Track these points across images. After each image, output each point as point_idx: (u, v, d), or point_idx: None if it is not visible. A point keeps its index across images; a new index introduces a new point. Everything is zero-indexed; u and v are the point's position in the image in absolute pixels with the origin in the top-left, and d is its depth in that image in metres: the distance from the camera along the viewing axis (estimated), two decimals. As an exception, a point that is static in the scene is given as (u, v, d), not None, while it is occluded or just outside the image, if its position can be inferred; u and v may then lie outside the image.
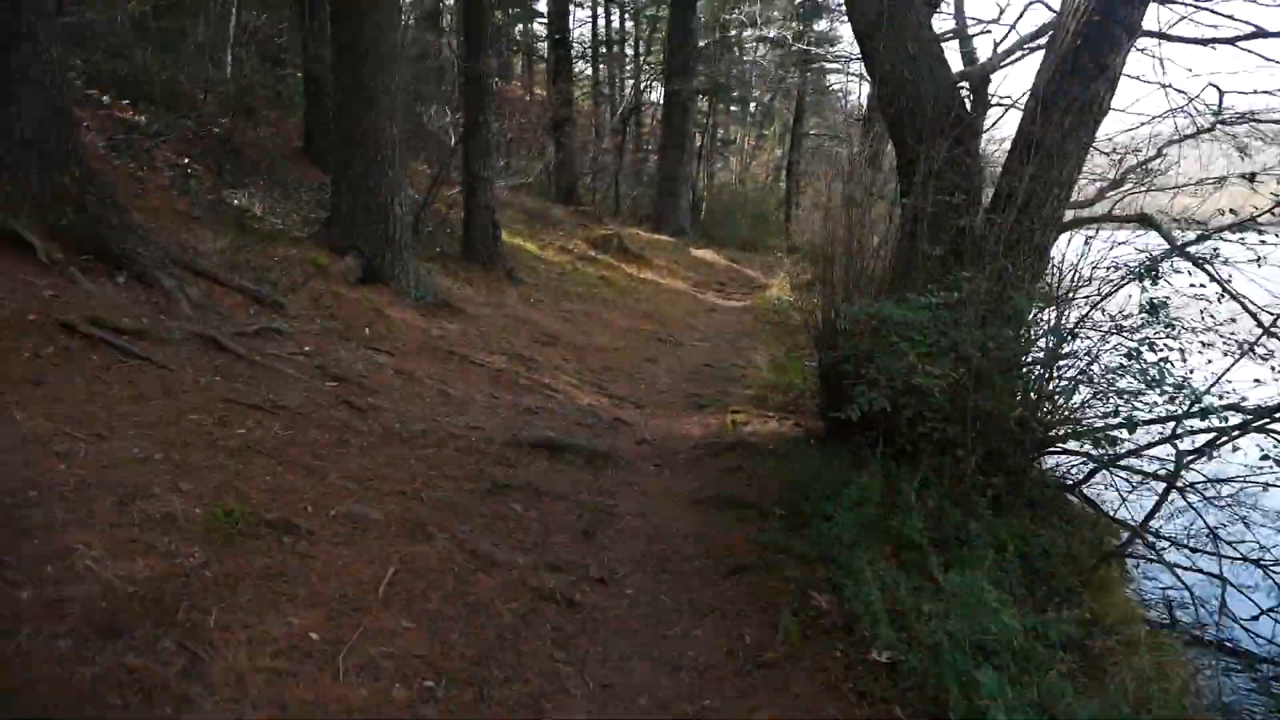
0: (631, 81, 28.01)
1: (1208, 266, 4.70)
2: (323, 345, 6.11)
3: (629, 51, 31.27)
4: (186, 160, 10.08)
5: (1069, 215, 6.20)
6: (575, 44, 28.93)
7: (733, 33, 26.70)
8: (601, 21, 31.27)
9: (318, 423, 4.70)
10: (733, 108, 33.79)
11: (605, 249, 15.26)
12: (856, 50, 8.93)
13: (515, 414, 6.05)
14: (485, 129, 11.03)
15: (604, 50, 30.30)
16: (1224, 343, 4.53)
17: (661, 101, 23.33)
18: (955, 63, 17.93)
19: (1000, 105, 8.27)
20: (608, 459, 5.55)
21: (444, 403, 5.77)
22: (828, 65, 32.75)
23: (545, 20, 26.62)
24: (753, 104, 33.76)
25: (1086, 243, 5.05)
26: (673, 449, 6.10)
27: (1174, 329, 4.34)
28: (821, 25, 26.70)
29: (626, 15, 30.53)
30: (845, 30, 30.46)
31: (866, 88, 23.50)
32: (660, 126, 23.20)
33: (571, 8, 26.30)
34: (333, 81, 8.74)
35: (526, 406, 6.27)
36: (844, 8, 8.22)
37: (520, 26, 29.20)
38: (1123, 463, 4.60)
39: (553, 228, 15.98)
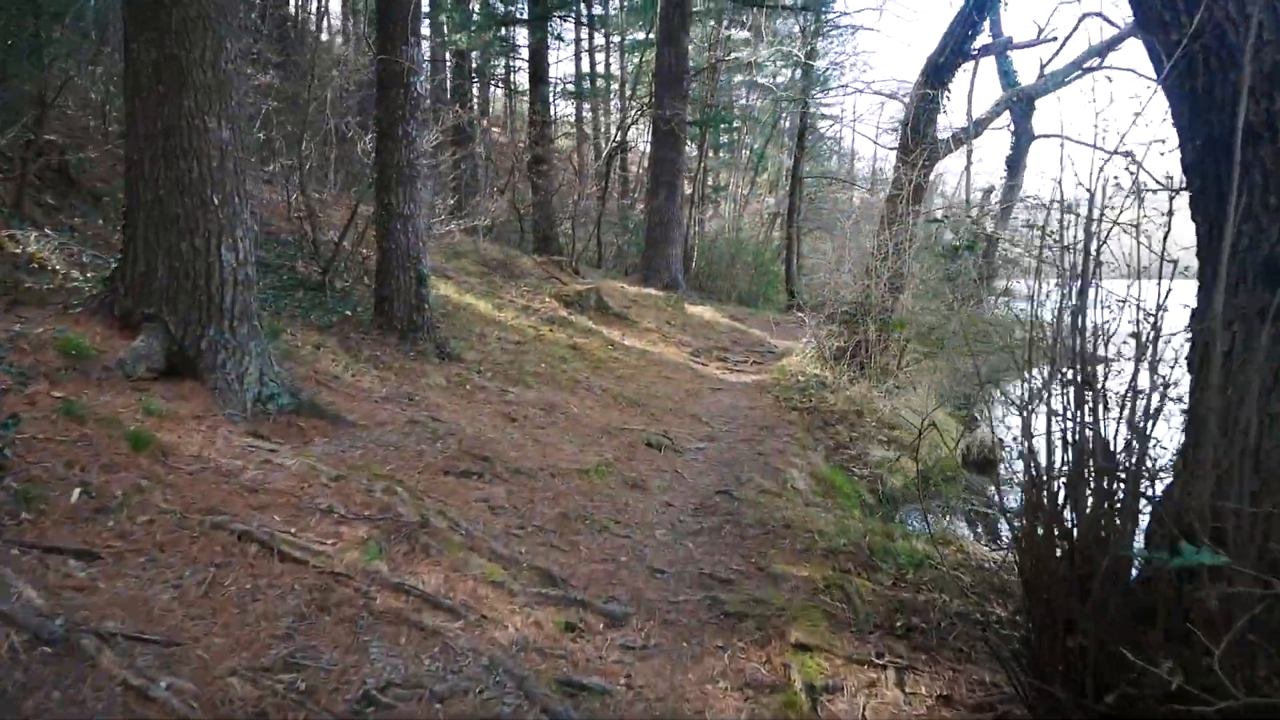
0: (617, 119, 24.91)
1: None
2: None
3: (614, 87, 28.29)
4: (-36, 188, 6.76)
5: None
6: (557, 81, 25.96)
7: (723, 74, 23.73)
8: (586, 63, 28.43)
9: None
10: (723, 152, 30.79)
11: (581, 308, 11.83)
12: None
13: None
14: (405, 146, 7.63)
15: (588, 86, 27.27)
16: None
17: (649, 139, 20.12)
18: (993, 82, 14.78)
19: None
20: None
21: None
22: (824, 108, 29.94)
23: (525, 59, 23.61)
24: (745, 150, 30.71)
25: None
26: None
27: None
28: (822, 63, 23.71)
29: (612, 47, 27.55)
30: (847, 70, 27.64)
31: (889, 110, 20.44)
32: (647, 171, 20.00)
33: (553, 40, 23.31)
34: (123, 54, 5.30)
35: (362, 694, 2.73)
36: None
37: (502, 62, 26.13)
38: None
39: (517, 281, 12.55)
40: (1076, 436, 2.55)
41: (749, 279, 22.21)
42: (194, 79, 5.05)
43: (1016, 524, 2.79)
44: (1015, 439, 3.86)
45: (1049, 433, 3.03)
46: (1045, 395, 2.87)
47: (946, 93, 11.80)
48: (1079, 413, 2.51)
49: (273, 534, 3.49)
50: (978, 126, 11.76)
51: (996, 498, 4.12)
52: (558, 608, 3.72)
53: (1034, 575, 2.59)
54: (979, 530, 7.40)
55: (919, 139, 11.17)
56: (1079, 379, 2.53)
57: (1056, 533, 2.51)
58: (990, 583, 4.43)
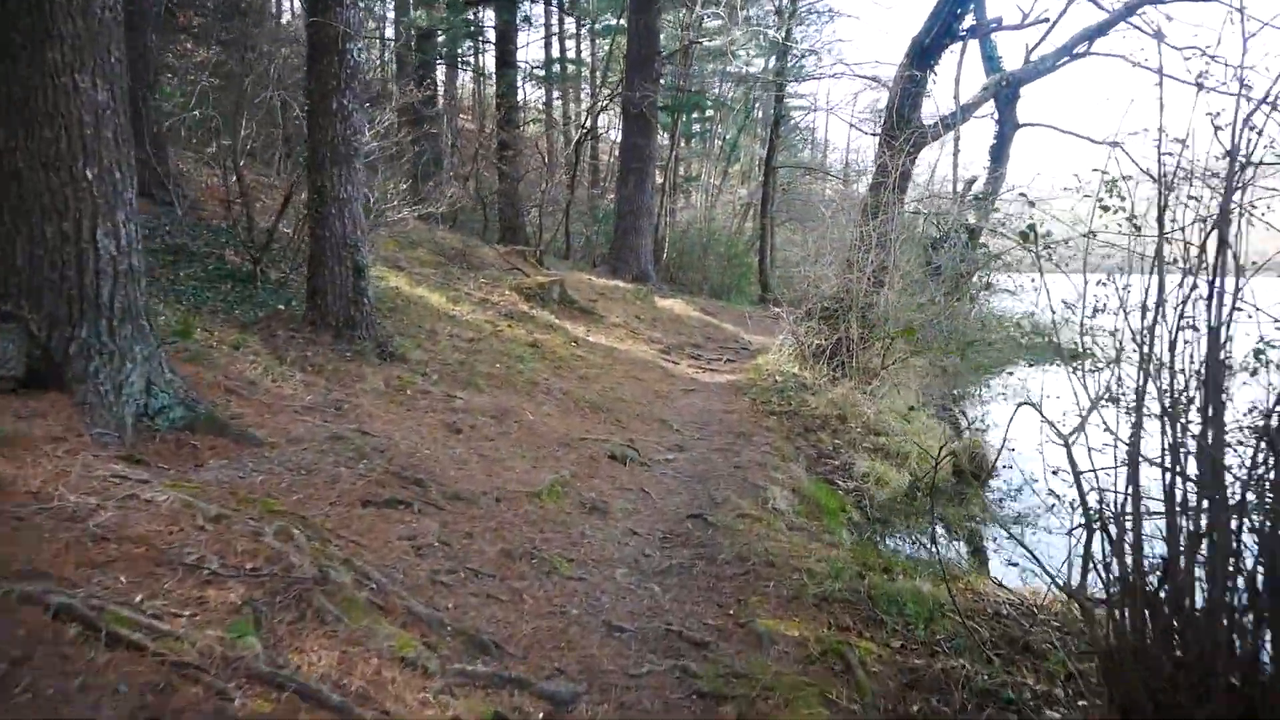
0: (587, 105, 23.97)
1: None
2: None
3: (584, 74, 27.36)
4: None
5: None
6: (526, 64, 24.96)
7: (695, 63, 22.75)
8: (556, 49, 27.46)
9: None
10: (695, 142, 29.94)
11: (543, 301, 10.97)
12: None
13: None
14: (340, 121, 6.74)
15: (558, 71, 26.31)
16: None
17: (620, 124, 19.23)
18: (976, 69, 14.12)
19: None
20: None
21: None
22: (799, 98, 29.12)
23: (493, 40, 22.57)
24: (718, 141, 29.86)
25: None
26: None
27: None
28: (800, 47, 22.87)
29: (583, 31, 26.58)
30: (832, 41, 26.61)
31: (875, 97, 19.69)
32: (618, 159, 19.11)
33: (522, 24, 22.31)
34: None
35: None
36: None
37: (468, 44, 24.99)
38: None
39: (476, 272, 11.66)
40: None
41: (721, 271, 21.45)
42: (60, 28, 4.14)
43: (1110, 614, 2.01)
44: (1056, 472, 3.12)
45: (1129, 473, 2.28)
46: (1134, 433, 2.09)
47: (933, 75, 11.07)
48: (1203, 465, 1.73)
49: (104, 606, 2.63)
50: (965, 112, 11.05)
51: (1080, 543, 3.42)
52: (486, 691, 2.91)
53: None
54: (972, 547, 6.67)
55: (903, 124, 10.43)
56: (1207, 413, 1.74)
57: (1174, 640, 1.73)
58: (1014, 639, 3.69)
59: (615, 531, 4.81)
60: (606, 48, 25.78)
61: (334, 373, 6.31)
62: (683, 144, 26.66)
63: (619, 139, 20.74)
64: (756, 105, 28.84)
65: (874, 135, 12.75)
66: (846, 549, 5.14)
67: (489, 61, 24.94)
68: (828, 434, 7.93)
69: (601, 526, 4.85)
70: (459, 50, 24.02)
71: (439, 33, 19.49)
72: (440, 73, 24.15)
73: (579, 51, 28.37)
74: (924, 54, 10.71)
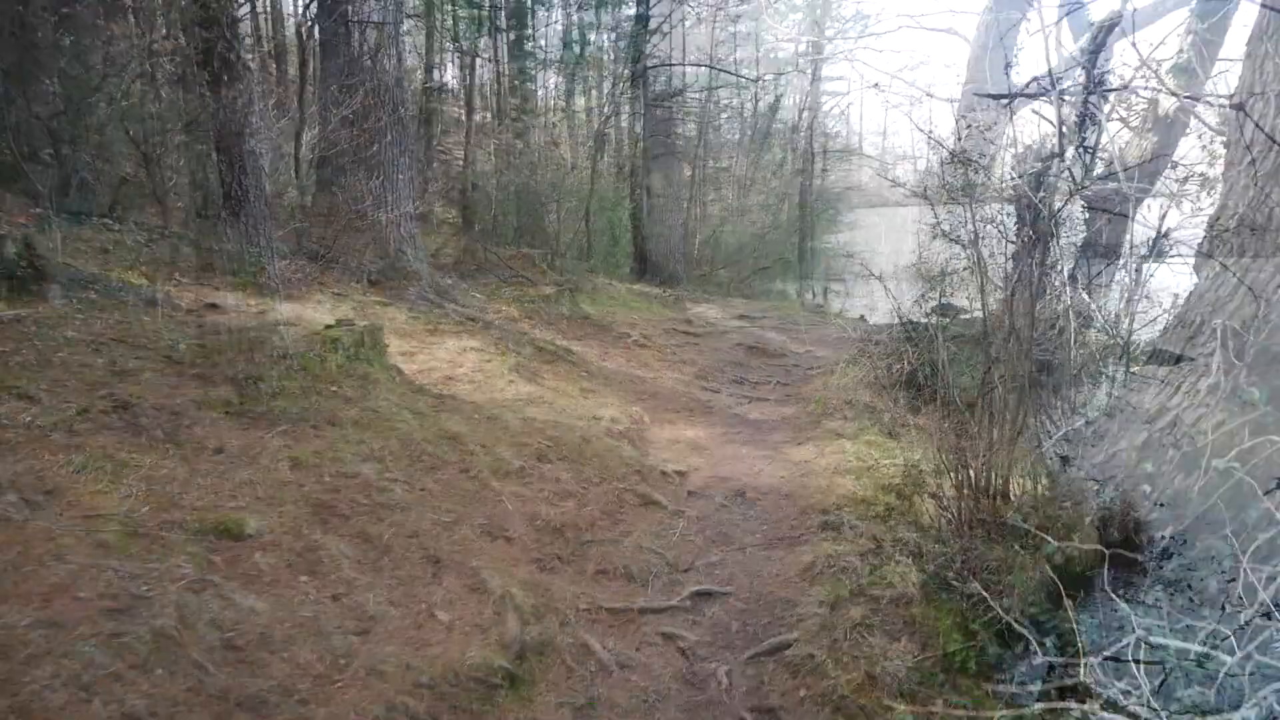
0: (609, 91, 21.59)
1: None
2: None
3: (606, 60, 24.93)
4: None
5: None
6: (540, 49, 22.65)
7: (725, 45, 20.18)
8: (576, 34, 25.08)
9: None
10: (726, 130, 27.40)
11: (550, 317, 8.62)
12: None
13: None
14: (234, 76, 4.44)
15: (577, 54, 23.97)
16: None
17: (643, 111, 16.79)
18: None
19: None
20: None
21: None
22: (832, 81, 26.44)
23: (504, 28, 20.30)
24: (749, 131, 27.29)
25: None
26: None
27: None
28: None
29: (604, 17, 24.19)
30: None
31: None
32: (641, 148, 16.69)
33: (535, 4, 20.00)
34: None
35: None
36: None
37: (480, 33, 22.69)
38: None
39: (468, 281, 9.35)
40: None
41: (754, 264, 19.04)
42: None
43: None
44: None
45: None
46: None
47: (1025, 21, 8.51)
48: None
49: None
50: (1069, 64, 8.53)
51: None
52: None
53: None
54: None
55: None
56: None
57: None
58: None
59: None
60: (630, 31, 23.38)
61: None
62: (712, 131, 24.23)
63: (643, 127, 18.45)
64: (787, 89, 26.32)
65: (952, 101, 10.22)
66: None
67: (503, 50, 22.75)
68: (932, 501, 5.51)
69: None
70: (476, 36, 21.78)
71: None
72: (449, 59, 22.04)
73: (601, 38, 26.05)
74: (1021, -9, 8.18)
